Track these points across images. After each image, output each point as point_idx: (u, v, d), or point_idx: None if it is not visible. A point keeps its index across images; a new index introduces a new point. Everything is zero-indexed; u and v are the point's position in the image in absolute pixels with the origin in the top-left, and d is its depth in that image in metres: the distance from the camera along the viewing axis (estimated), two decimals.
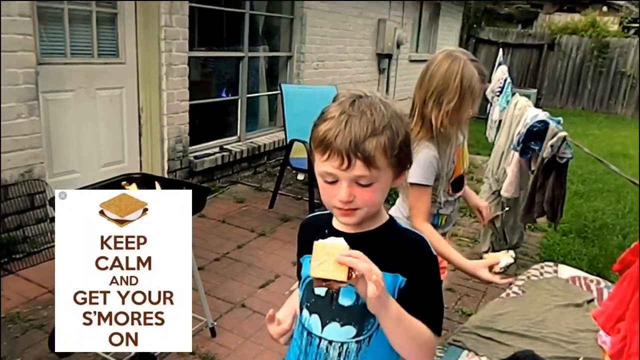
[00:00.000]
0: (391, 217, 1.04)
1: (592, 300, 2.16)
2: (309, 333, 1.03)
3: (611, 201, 5.08)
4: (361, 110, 0.91)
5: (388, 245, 0.93)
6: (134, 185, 2.15)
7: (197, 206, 2.31)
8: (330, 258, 0.82)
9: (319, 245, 0.85)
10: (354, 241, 0.89)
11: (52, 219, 3.15)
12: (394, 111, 0.94)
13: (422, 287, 0.96)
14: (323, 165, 0.92)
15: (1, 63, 2.80)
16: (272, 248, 3.49)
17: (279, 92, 4.39)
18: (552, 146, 2.59)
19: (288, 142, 4.10)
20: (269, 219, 3.99)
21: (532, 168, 2.87)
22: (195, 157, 4.42)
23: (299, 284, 1.10)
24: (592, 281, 2.34)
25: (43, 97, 3.22)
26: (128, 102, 3.91)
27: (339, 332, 0.99)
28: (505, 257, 1.55)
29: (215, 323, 2.50)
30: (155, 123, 4.03)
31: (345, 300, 0.98)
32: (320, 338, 1.01)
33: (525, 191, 2.95)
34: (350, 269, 0.82)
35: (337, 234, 0.98)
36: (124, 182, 2.20)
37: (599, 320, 1.87)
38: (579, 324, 1.96)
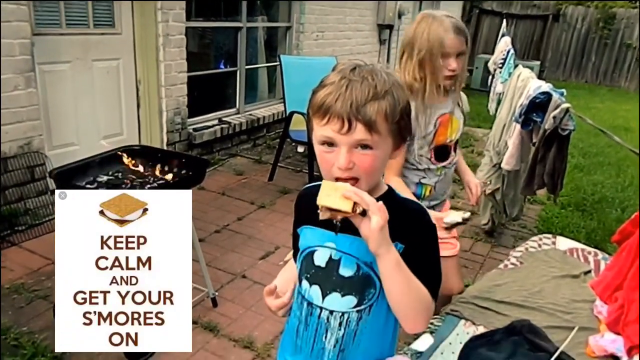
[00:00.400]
0: (390, 188, 1.04)
1: (589, 271, 2.18)
2: (310, 304, 1.03)
3: (611, 174, 5.08)
4: (362, 75, 0.90)
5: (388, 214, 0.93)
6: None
7: (197, 179, 2.31)
8: (337, 192, 0.86)
9: (327, 182, 0.89)
10: None
11: (53, 192, 3.16)
12: (396, 80, 0.94)
13: (420, 253, 0.96)
14: (322, 130, 0.91)
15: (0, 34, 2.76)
16: (272, 220, 3.51)
17: (278, 63, 4.34)
18: (554, 118, 2.57)
19: (287, 114, 4.07)
20: (268, 192, 4.00)
21: (534, 140, 2.86)
22: (194, 130, 4.40)
23: (296, 255, 1.10)
24: (589, 253, 2.35)
25: (39, 69, 3.18)
26: (125, 74, 3.86)
27: (340, 302, 1.00)
28: (453, 214, 1.56)
29: (217, 293, 2.54)
30: (154, 95, 3.99)
31: (345, 271, 0.99)
32: (321, 308, 1.01)
33: (526, 164, 2.95)
34: (355, 205, 0.85)
35: None
36: (120, 152, 2.19)
37: (596, 289, 1.90)
38: (575, 294, 1.98)
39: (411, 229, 0.97)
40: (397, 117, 0.92)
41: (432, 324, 1.84)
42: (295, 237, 1.11)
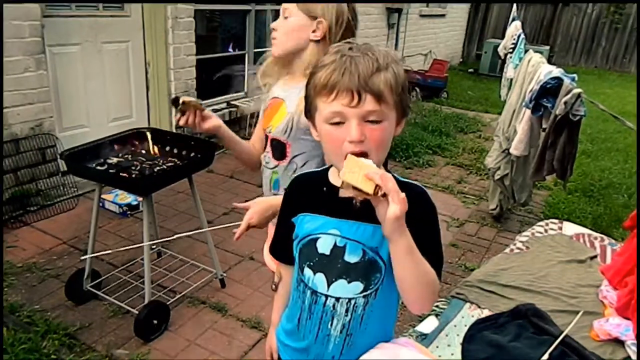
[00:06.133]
0: (389, 171, 1.03)
1: (595, 256, 2.19)
2: (314, 292, 1.01)
3: (619, 160, 5.05)
4: (362, 51, 0.92)
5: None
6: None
7: (206, 162, 2.33)
8: (361, 171, 0.84)
9: (351, 158, 0.87)
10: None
11: (64, 173, 3.19)
12: (393, 55, 0.95)
13: (424, 235, 0.95)
14: (329, 106, 0.91)
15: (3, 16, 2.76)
16: None
17: None
18: (565, 103, 2.55)
19: None
20: None
21: (544, 126, 2.85)
22: None
23: (287, 245, 1.07)
24: (596, 238, 2.36)
25: (49, 51, 3.19)
26: (134, 56, 3.86)
27: (346, 289, 0.99)
28: None
29: (225, 275, 2.57)
30: (163, 78, 4.00)
31: (351, 257, 0.98)
32: (327, 296, 1.00)
33: (535, 149, 2.94)
34: (377, 187, 0.83)
35: (335, 189, 0.95)
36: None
37: (607, 274, 1.91)
38: (580, 279, 2.00)
39: (415, 212, 0.93)
40: (400, 89, 0.93)
41: (437, 306, 1.86)
42: (288, 227, 1.05)
